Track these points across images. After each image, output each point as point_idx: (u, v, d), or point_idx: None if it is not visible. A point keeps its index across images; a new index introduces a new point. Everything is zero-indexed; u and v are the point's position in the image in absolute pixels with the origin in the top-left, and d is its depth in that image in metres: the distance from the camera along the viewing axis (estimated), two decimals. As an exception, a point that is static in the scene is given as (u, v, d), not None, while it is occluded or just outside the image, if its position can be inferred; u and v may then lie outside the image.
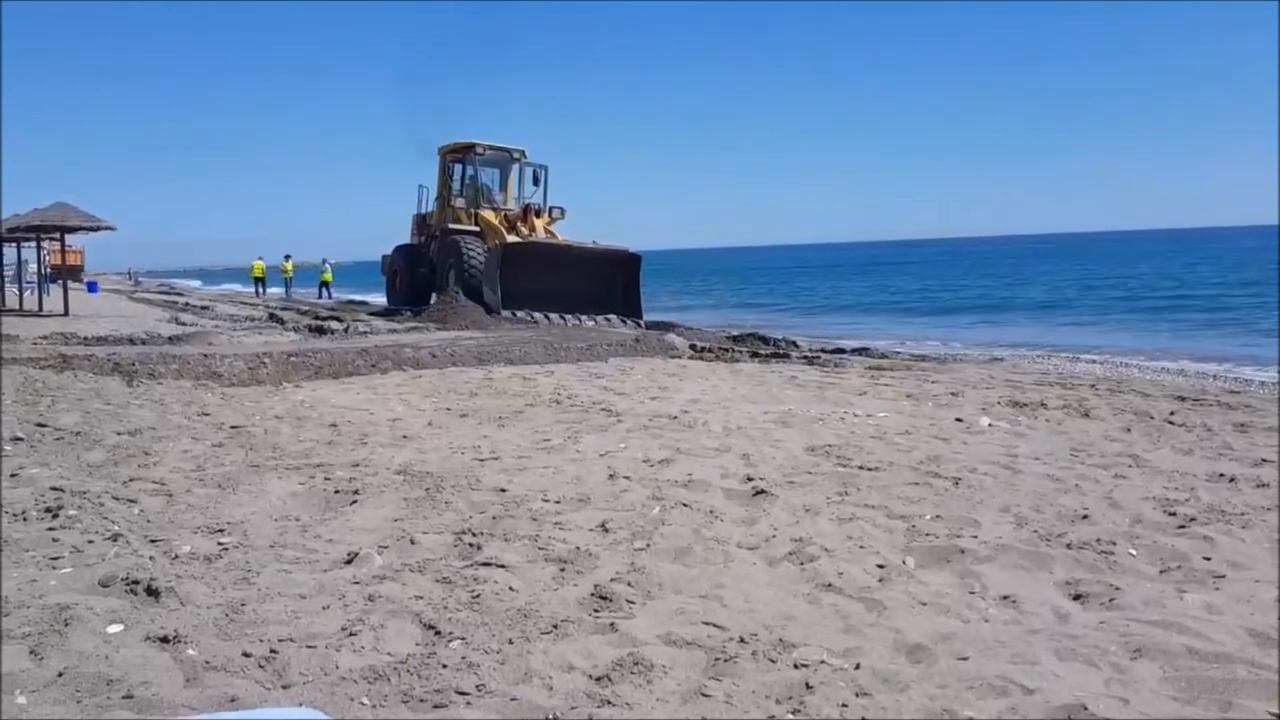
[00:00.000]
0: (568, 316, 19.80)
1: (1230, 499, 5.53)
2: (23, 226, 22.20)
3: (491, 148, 24.12)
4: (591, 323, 19.80)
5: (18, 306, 25.65)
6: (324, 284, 41.38)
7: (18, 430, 7.12)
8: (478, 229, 23.07)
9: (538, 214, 23.06)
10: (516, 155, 24.41)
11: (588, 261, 20.69)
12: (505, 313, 19.34)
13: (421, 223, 25.94)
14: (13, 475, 5.78)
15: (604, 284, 20.49)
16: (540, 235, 22.35)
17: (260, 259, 43.21)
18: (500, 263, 20.05)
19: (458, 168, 24.73)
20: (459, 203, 24.10)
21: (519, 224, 22.80)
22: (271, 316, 23.16)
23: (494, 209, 23.72)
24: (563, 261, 20.44)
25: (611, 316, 20.54)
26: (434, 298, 23.54)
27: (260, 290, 42.07)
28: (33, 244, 27.73)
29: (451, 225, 23.49)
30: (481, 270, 21.01)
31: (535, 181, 23.93)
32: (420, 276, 24.83)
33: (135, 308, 28.27)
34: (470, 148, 24.09)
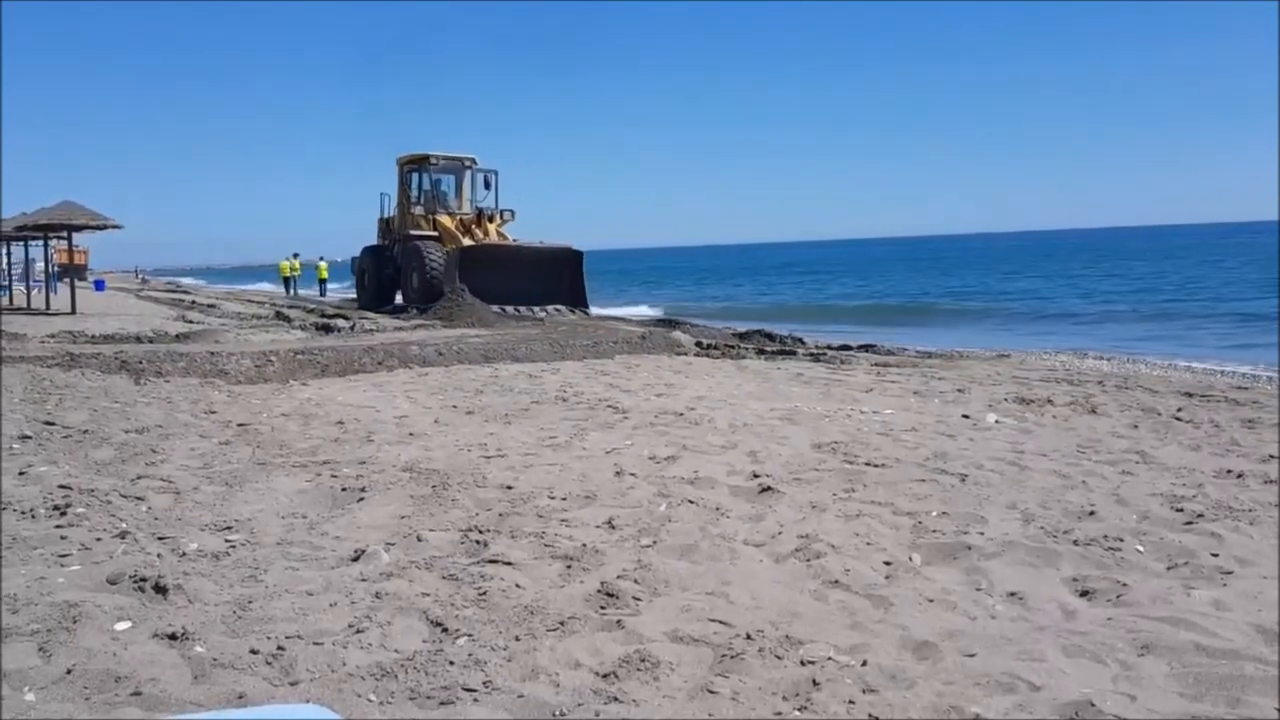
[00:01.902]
0: (521, 308, 21.40)
1: (1238, 495, 5.51)
2: (30, 225, 22.25)
3: (444, 157, 25.83)
4: (543, 313, 21.42)
5: (25, 305, 25.73)
6: (321, 281, 41.70)
7: (26, 428, 7.14)
8: (436, 234, 24.57)
9: (490, 218, 24.72)
10: (468, 163, 26.03)
11: (536, 260, 22.63)
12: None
13: (386, 227, 27.31)
14: (21, 473, 5.79)
15: (552, 279, 22.38)
16: (493, 237, 24.03)
17: (286, 260, 43.20)
18: (458, 265, 21.78)
19: (414, 176, 26.19)
20: (417, 210, 25.61)
21: (474, 227, 24.41)
22: (278, 315, 23.20)
23: (450, 214, 25.27)
24: (514, 260, 22.34)
25: (561, 307, 22.32)
26: (398, 297, 25.45)
27: (290, 290, 42.01)
28: (39, 243, 27.79)
29: (412, 231, 25.02)
30: (442, 272, 22.73)
31: (486, 186, 25.52)
32: (386, 277, 26.28)
33: (142, 306, 28.35)
34: (425, 158, 25.69)
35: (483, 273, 21.45)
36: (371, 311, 24.44)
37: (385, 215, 27.40)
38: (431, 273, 23.00)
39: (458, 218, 24.96)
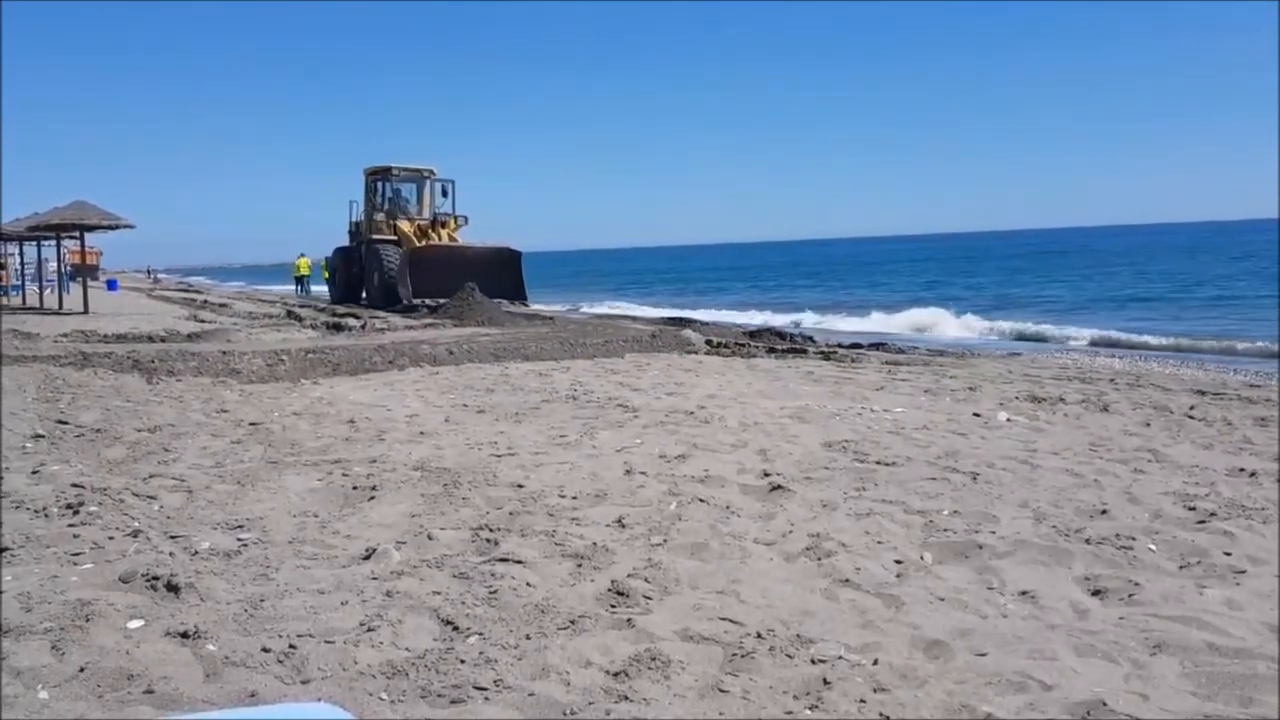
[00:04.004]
0: None
1: (1251, 494, 5.49)
2: (42, 225, 22.34)
3: (405, 168, 28.14)
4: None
5: (38, 304, 25.86)
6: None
7: (39, 427, 7.18)
8: (396, 238, 26.86)
9: (443, 224, 27.20)
10: (427, 174, 28.27)
11: (479, 259, 24.90)
12: (416, 301, 23.62)
13: (356, 230, 29.55)
14: (34, 472, 5.83)
15: (494, 276, 24.33)
16: (445, 241, 26.56)
17: (300, 257, 43.06)
18: (408, 265, 24.42)
19: (379, 185, 28.35)
20: (379, 216, 27.94)
21: (430, 231, 26.85)
22: (289, 314, 23.29)
23: (409, 220, 27.46)
24: (459, 260, 24.63)
25: (502, 301, 23.85)
26: (364, 294, 28.03)
27: (301, 289, 41.81)
28: (52, 243, 27.93)
29: (374, 235, 27.49)
30: (397, 272, 25.16)
31: (444, 194, 27.99)
32: (353, 276, 28.81)
33: (154, 305, 28.47)
34: (388, 169, 27.98)
35: (431, 272, 23.86)
36: (380, 310, 24.80)
37: (354, 220, 29.64)
38: (388, 273, 25.55)
39: (416, 223, 27.14)
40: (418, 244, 25.84)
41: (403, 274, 24.57)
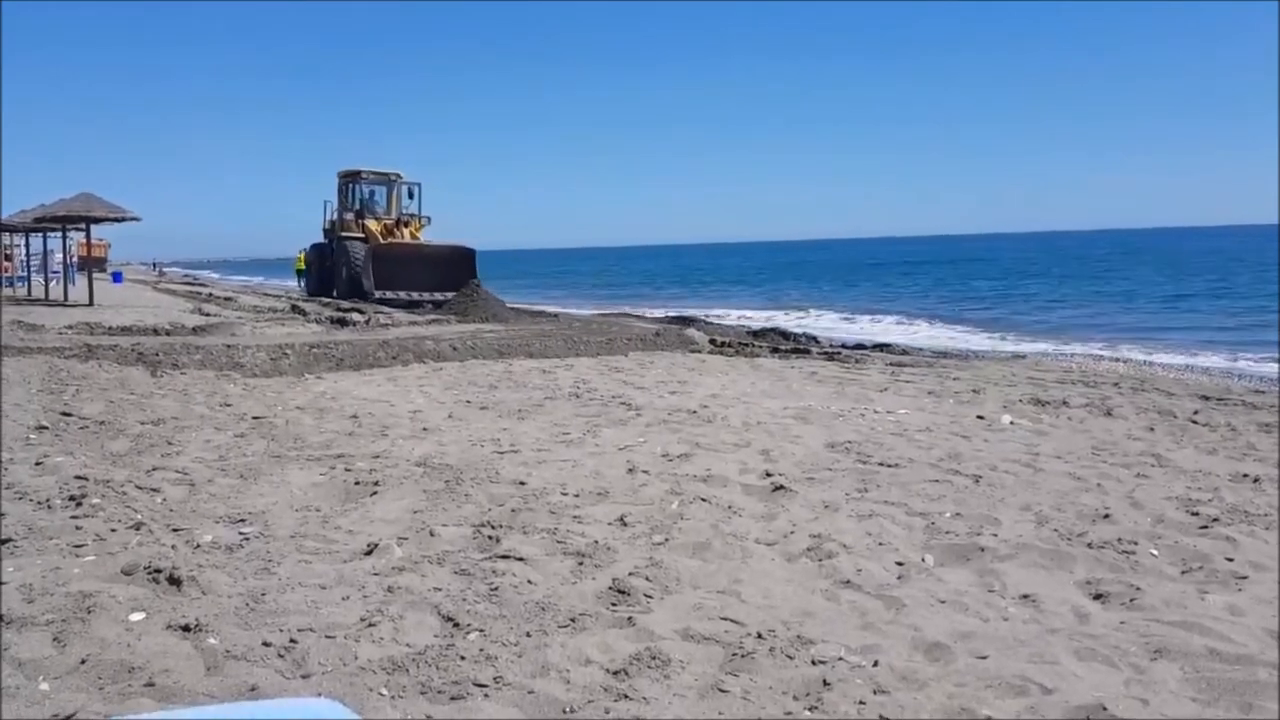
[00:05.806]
0: (425, 294, 25.57)
1: (1254, 499, 5.48)
2: (49, 217, 22.36)
3: (374, 172, 30.31)
4: (443, 298, 24.72)
5: (43, 296, 25.90)
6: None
7: (43, 419, 7.19)
8: (363, 236, 28.75)
9: (406, 224, 29.26)
10: (394, 177, 30.42)
11: (436, 256, 26.84)
12: (377, 294, 25.45)
13: (331, 228, 31.35)
14: (37, 463, 5.83)
15: (450, 273, 25.87)
16: (408, 239, 28.61)
17: (302, 252, 43.04)
18: (370, 261, 26.52)
19: (350, 187, 30.24)
20: (349, 216, 29.81)
21: (395, 230, 28.84)
22: (294, 308, 23.30)
23: (377, 219, 29.37)
24: (417, 257, 26.90)
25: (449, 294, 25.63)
26: (335, 289, 29.82)
27: (303, 285, 41.82)
28: (57, 234, 27.96)
29: (343, 233, 29.37)
30: (361, 268, 27.09)
31: (410, 196, 30.21)
32: (326, 271, 30.71)
33: (159, 298, 28.47)
34: (358, 173, 30.06)
35: (391, 268, 26.10)
36: (385, 306, 24.94)
37: (329, 218, 31.40)
38: (354, 267, 27.36)
39: (383, 222, 29.05)
40: (381, 241, 27.71)
41: (366, 268, 26.48)
